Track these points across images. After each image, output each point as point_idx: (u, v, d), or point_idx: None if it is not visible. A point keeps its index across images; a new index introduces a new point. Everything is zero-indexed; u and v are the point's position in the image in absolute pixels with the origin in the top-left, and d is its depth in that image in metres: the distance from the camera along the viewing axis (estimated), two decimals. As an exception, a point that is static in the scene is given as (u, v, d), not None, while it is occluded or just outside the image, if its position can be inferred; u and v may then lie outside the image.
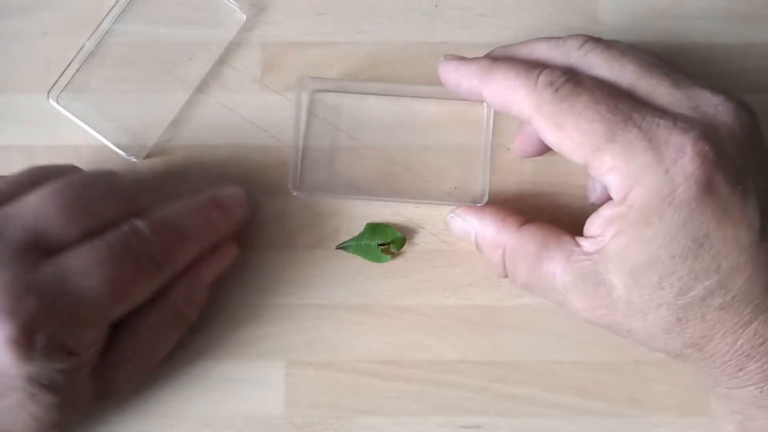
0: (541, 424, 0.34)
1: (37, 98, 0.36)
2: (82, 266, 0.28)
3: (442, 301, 0.35)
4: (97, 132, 0.36)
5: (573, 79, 0.28)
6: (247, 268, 0.35)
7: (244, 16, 0.37)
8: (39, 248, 0.28)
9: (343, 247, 0.35)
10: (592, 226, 0.29)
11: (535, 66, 0.29)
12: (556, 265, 0.30)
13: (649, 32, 0.37)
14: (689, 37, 0.37)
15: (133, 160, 0.36)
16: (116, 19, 0.37)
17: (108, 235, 0.29)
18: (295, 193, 0.35)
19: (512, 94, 0.29)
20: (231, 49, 0.37)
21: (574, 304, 0.29)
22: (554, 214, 0.35)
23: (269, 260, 0.35)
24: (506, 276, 0.32)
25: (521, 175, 0.36)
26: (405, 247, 0.35)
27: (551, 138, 0.29)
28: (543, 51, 0.31)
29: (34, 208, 0.28)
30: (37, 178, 0.30)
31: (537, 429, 0.34)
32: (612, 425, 0.34)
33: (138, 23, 0.37)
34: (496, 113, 0.35)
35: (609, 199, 0.29)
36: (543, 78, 0.29)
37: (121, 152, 0.35)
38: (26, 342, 0.26)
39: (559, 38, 0.31)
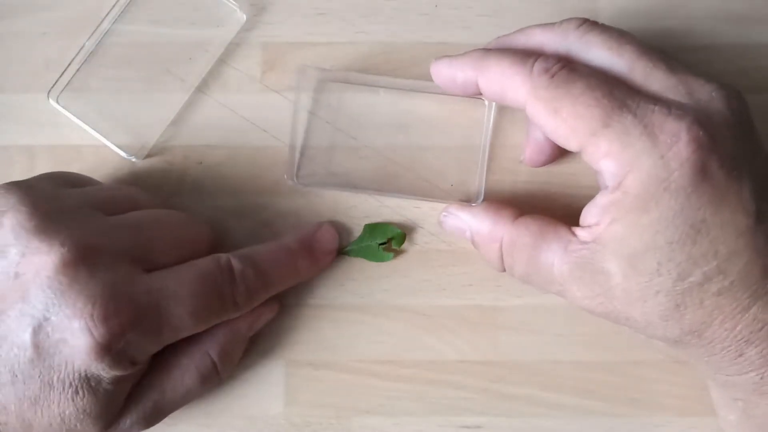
0: (541, 424, 0.34)
1: (37, 98, 0.36)
2: (177, 288, 0.29)
3: (442, 301, 0.35)
4: (97, 132, 0.36)
5: (568, 65, 0.29)
6: (247, 268, 0.35)
7: (244, 16, 0.37)
8: (142, 262, 0.29)
9: (345, 252, 0.35)
10: (588, 215, 0.29)
11: (529, 54, 0.30)
12: (553, 255, 0.30)
13: (649, 32, 0.37)
14: (689, 37, 0.37)
15: (133, 160, 0.36)
16: (116, 19, 0.37)
17: (204, 263, 0.30)
18: (290, 183, 0.35)
19: (507, 82, 0.29)
20: (231, 49, 0.37)
21: (573, 294, 0.29)
22: (551, 214, 0.35)
23: (269, 260, 0.35)
24: (504, 270, 0.32)
25: (518, 175, 0.36)
26: (405, 247, 0.35)
27: (547, 124, 0.29)
28: (539, 36, 0.31)
29: (145, 226, 0.30)
30: (138, 201, 0.33)
31: (537, 429, 0.34)
32: (612, 425, 0.34)
33: (138, 23, 0.37)
34: (496, 113, 0.35)
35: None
36: (538, 65, 0.29)
37: (121, 152, 0.35)
38: (108, 345, 0.27)
39: (554, 23, 0.31)
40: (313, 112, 0.36)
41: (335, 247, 0.35)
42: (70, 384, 0.27)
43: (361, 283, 0.35)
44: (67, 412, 0.28)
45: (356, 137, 0.36)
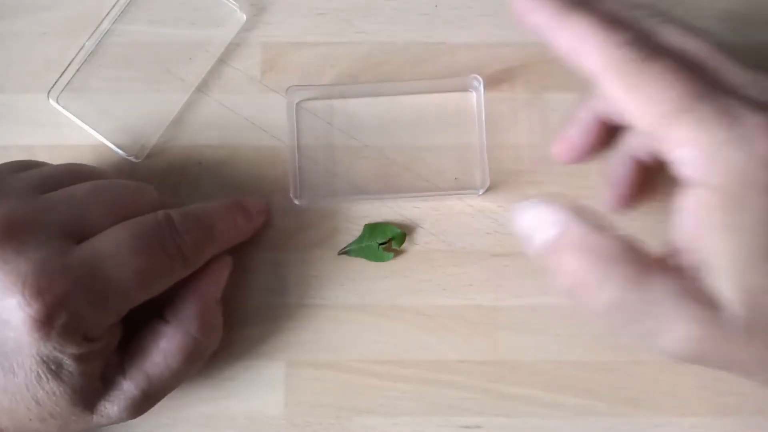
0: (541, 424, 0.34)
1: (37, 98, 0.36)
2: (113, 250, 0.28)
3: (442, 301, 0.35)
4: (97, 132, 0.36)
5: (652, 41, 0.26)
6: (247, 268, 0.35)
7: (244, 16, 0.37)
8: (76, 234, 0.29)
9: (345, 252, 0.35)
10: (681, 231, 0.26)
11: (615, 20, 0.26)
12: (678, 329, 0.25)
13: (649, 32, 0.37)
14: (689, 37, 0.37)
15: (133, 160, 0.36)
16: (116, 19, 0.37)
17: (140, 220, 0.30)
18: (296, 202, 0.35)
19: (585, 43, 0.26)
20: (231, 49, 0.37)
21: (671, 344, 0.25)
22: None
23: (269, 260, 0.35)
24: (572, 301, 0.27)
25: (520, 175, 0.36)
26: (405, 247, 0.35)
27: (620, 98, 0.26)
28: (618, 8, 0.27)
29: (78, 199, 0.29)
30: (78, 174, 0.32)
31: (537, 429, 0.34)
32: (612, 425, 0.34)
33: (138, 23, 0.37)
34: (487, 101, 0.35)
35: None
36: (622, 34, 0.26)
37: (121, 152, 0.36)
38: (47, 321, 0.26)
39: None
40: (312, 114, 0.36)
41: (266, 208, 0.35)
42: (31, 368, 0.27)
43: (361, 283, 0.35)
44: (38, 396, 0.28)
45: (356, 138, 0.36)
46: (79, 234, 0.29)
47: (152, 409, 0.34)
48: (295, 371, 0.35)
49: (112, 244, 0.28)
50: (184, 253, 0.30)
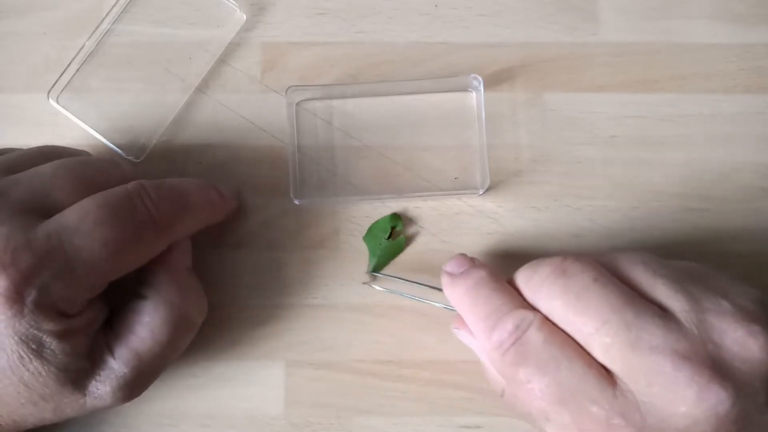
0: (541, 424, 0.34)
1: (37, 98, 0.36)
2: (78, 222, 0.28)
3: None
4: (97, 132, 0.36)
5: (519, 341, 0.29)
6: (247, 268, 0.35)
7: (244, 16, 0.37)
8: (42, 211, 0.28)
9: (374, 271, 0.35)
10: None
11: (498, 310, 0.29)
12: None
13: (649, 32, 0.37)
14: (689, 37, 0.37)
15: (133, 160, 0.36)
16: (116, 19, 0.37)
17: (110, 191, 0.29)
18: (296, 202, 0.35)
19: (472, 333, 0.31)
20: (231, 49, 0.37)
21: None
22: (555, 212, 0.35)
23: (269, 260, 0.35)
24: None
25: (520, 175, 0.36)
26: (405, 247, 0.35)
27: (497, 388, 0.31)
28: (521, 283, 0.30)
29: (44, 175, 0.29)
30: (51, 154, 0.31)
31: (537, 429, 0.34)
32: (612, 425, 0.34)
33: (138, 23, 0.37)
34: (487, 101, 0.35)
35: None
36: (496, 336, 0.29)
37: (121, 152, 0.36)
38: (16, 296, 0.26)
39: (535, 270, 0.30)
40: (312, 114, 0.36)
41: (237, 195, 0.35)
42: (12, 349, 0.27)
43: (361, 283, 0.35)
44: (25, 377, 0.27)
45: (356, 138, 0.36)
46: (45, 210, 0.28)
47: (153, 408, 0.34)
48: (295, 371, 0.35)
49: (77, 216, 0.28)
50: (158, 222, 0.30)
